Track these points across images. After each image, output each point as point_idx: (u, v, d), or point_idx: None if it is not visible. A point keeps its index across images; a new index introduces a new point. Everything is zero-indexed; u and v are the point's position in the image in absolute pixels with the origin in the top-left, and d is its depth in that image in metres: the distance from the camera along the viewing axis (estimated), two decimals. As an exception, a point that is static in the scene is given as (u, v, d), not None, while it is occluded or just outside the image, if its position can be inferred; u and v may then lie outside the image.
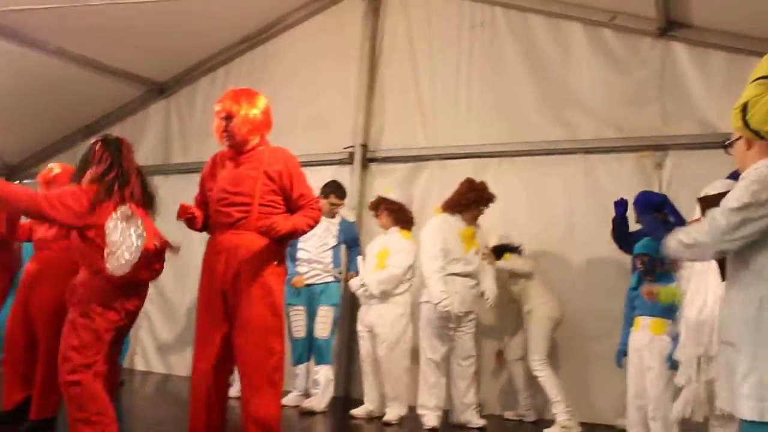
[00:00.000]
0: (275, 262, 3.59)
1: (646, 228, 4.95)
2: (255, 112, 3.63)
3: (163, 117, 7.85)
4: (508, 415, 5.63)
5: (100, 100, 7.83)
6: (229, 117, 3.59)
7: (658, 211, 4.90)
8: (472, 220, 5.25)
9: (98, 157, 3.66)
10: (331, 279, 5.63)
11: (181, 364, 7.04)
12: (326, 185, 5.62)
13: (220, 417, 3.59)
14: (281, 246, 3.65)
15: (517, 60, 6.09)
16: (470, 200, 5.21)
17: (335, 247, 5.68)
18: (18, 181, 8.36)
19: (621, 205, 5.11)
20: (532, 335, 5.28)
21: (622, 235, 5.13)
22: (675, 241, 2.54)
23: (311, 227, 3.69)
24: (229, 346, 3.54)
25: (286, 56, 7.11)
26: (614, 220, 5.15)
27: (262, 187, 3.57)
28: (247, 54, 7.43)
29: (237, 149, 3.65)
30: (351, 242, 5.84)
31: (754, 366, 2.48)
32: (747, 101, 2.08)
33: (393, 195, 5.47)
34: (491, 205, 5.31)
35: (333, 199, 5.63)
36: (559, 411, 5.07)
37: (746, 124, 2.08)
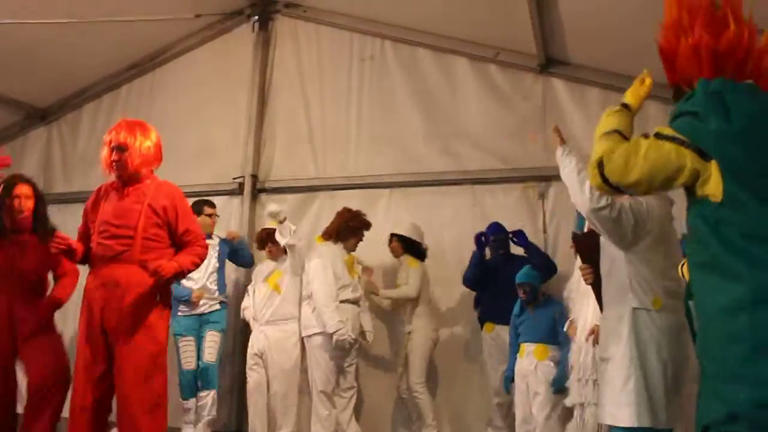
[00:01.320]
0: (157, 298, 3.51)
1: (531, 254, 5.15)
2: (148, 144, 3.62)
3: (44, 144, 7.49)
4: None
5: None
6: (121, 148, 3.55)
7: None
8: (352, 248, 5.34)
9: None
10: (217, 306, 5.54)
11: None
12: (193, 204, 5.51)
13: None
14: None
15: (406, 92, 6.21)
16: (350, 228, 5.27)
17: (219, 270, 5.61)
18: None
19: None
20: (412, 357, 5.34)
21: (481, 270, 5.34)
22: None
23: (197, 265, 3.69)
24: (110, 383, 3.44)
25: (175, 84, 6.96)
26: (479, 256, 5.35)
27: (146, 220, 3.54)
28: (135, 81, 7.21)
29: (123, 181, 3.60)
30: (238, 258, 5.80)
31: (629, 375, 2.69)
32: (601, 156, 2.02)
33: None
34: (382, 235, 5.38)
35: (208, 210, 5.59)
36: None
37: (605, 180, 2.01)
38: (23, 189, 4.13)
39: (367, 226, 5.37)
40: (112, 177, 3.70)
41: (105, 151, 3.63)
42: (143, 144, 3.58)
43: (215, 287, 5.53)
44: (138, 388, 3.39)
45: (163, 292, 3.56)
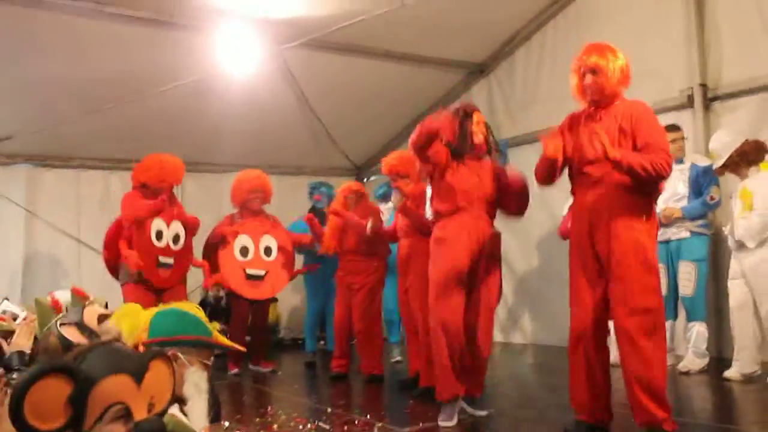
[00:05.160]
0: (644, 217, 3.47)
1: None
2: (620, 64, 3.54)
3: (486, 95, 8.00)
4: None
5: (425, 92, 8.24)
6: (593, 71, 3.52)
7: None
8: None
9: None
10: (687, 234, 5.27)
11: (542, 333, 7.20)
12: None
13: (604, 376, 3.57)
14: (649, 199, 3.53)
15: None
16: None
17: (691, 197, 5.29)
18: (365, 179, 9.21)
19: None
20: None
21: None
22: None
23: (646, 171, 3.37)
24: (606, 305, 3.49)
25: (600, 9, 6.78)
26: None
27: (617, 142, 3.47)
28: (558, 16, 7.24)
29: (600, 104, 3.57)
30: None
31: None
32: None
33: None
34: None
35: (670, 135, 5.25)
36: None
37: None
38: (479, 116, 4.35)
39: None
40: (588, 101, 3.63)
41: (575, 79, 3.61)
42: (615, 64, 3.50)
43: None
44: (636, 309, 3.39)
45: (648, 213, 3.50)
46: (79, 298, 3.63)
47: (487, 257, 4.16)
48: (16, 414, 1.47)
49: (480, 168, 4.26)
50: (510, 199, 4.28)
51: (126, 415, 1.60)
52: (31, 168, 7.40)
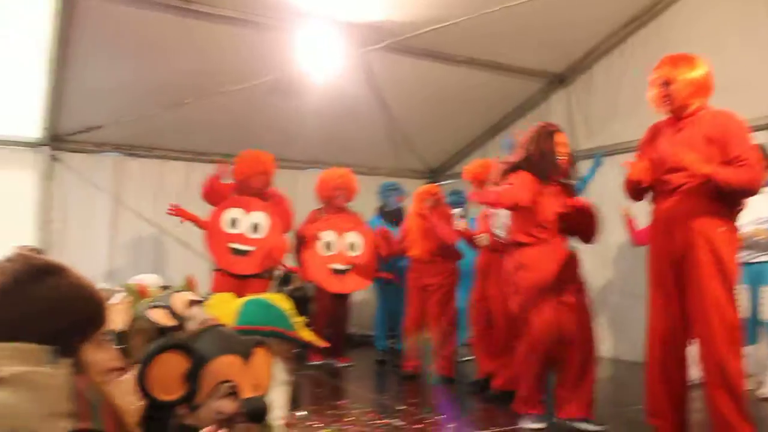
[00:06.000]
0: (724, 227, 3.45)
1: None
2: (694, 75, 3.55)
3: (564, 106, 7.95)
4: None
5: (504, 100, 8.26)
6: (666, 83, 3.56)
7: None
8: None
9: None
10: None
11: (620, 347, 7.13)
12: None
13: (682, 389, 3.58)
14: (730, 210, 3.50)
15: None
16: None
17: None
18: (438, 183, 9.26)
19: None
20: None
21: None
22: None
23: (734, 186, 3.39)
24: (684, 316, 3.50)
25: (684, 22, 6.67)
26: None
27: (701, 152, 3.46)
28: (640, 31, 7.16)
29: (677, 114, 3.59)
30: None
31: None
32: None
33: None
34: None
35: None
36: None
37: None
38: (561, 136, 4.42)
39: None
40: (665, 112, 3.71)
41: (653, 90, 3.67)
42: (688, 75, 3.55)
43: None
44: (715, 321, 3.41)
45: (729, 224, 3.49)
46: (186, 284, 3.79)
47: (567, 280, 4.19)
48: (141, 383, 1.60)
49: (560, 192, 4.35)
50: (580, 229, 4.34)
51: (234, 392, 1.71)
52: (117, 156, 7.71)
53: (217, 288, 5.68)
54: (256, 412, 1.70)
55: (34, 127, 7.04)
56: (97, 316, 1.45)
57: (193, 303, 3.17)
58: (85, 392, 1.32)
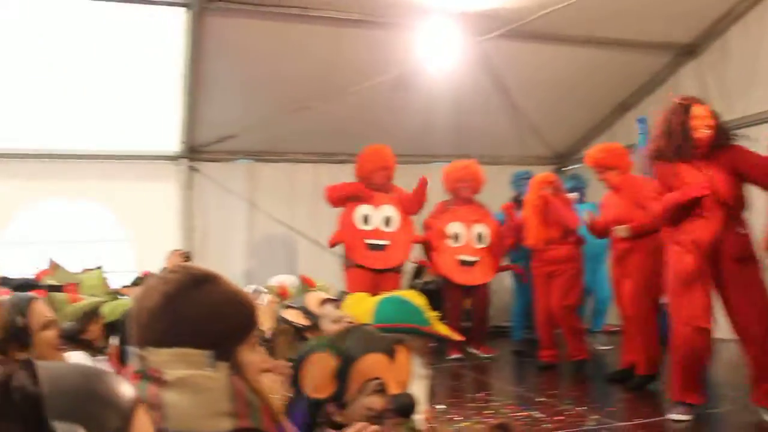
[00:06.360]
0: None
1: None
2: None
3: (695, 79, 7.56)
4: None
5: (628, 78, 7.96)
6: None
7: None
8: None
9: None
10: None
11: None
12: None
13: None
14: None
15: None
16: None
17: None
18: (564, 168, 9.06)
19: None
20: None
21: None
22: None
23: None
24: None
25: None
26: None
27: None
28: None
29: None
30: None
31: None
32: None
33: None
34: None
35: None
36: None
37: None
38: (699, 109, 4.06)
39: None
40: None
41: None
42: None
43: None
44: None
45: None
46: (306, 285, 3.94)
47: (732, 260, 3.97)
48: (295, 382, 1.69)
49: (710, 166, 4.02)
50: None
51: (382, 389, 1.77)
52: (250, 163, 8.05)
53: (352, 284, 5.84)
54: (405, 408, 1.76)
55: (173, 141, 7.50)
56: (250, 320, 1.53)
57: (325, 301, 3.29)
58: (243, 392, 1.40)
